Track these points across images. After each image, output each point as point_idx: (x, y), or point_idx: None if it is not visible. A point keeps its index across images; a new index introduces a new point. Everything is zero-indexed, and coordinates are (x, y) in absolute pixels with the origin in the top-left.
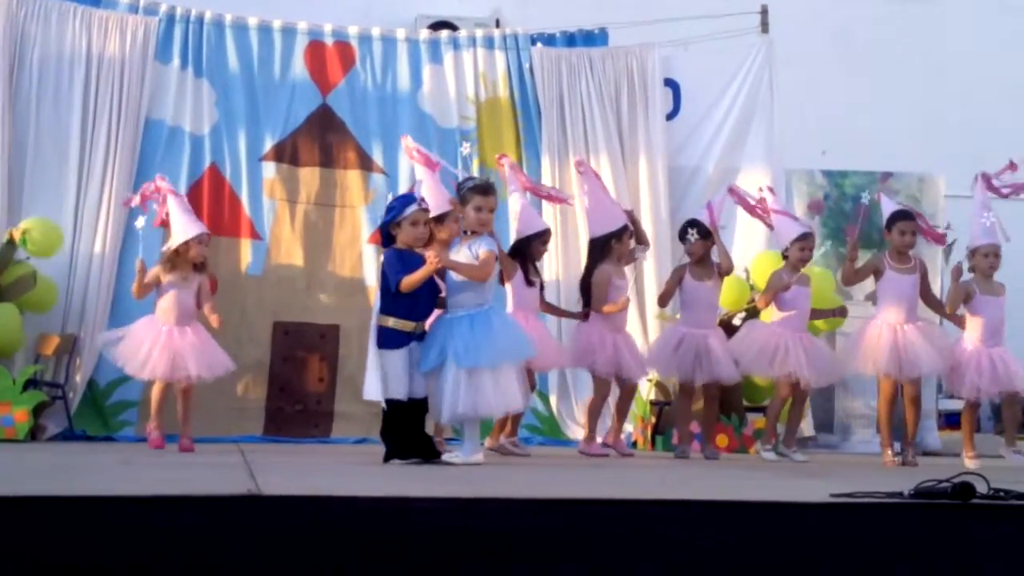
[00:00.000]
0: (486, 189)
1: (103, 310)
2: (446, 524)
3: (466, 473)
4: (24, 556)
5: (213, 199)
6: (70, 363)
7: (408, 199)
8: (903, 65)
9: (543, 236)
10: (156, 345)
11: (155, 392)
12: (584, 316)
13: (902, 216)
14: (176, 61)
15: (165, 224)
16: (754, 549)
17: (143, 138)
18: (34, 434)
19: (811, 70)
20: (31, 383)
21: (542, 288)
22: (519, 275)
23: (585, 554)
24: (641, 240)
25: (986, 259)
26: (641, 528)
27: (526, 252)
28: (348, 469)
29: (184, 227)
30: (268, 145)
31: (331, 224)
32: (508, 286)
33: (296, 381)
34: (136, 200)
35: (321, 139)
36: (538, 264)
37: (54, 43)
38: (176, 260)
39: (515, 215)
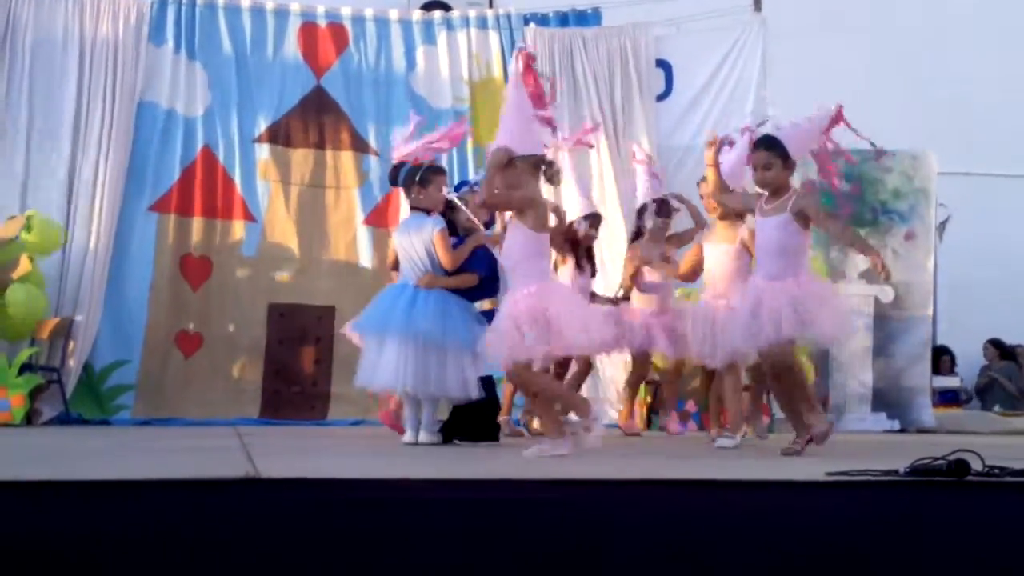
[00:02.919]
0: (443, 169)
1: (98, 293)
2: (446, 505)
3: (469, 455)
4: (22, 541)
5: (206, 181)
6: (65, 346)
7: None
8: (896, 43)
9: (587, 220)
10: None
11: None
12: (615, 301)
13: (753, 146)
14: (170, 43)
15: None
16: (749, 528)
17: (137, 121)
18: (30, 418)
19: (804, 48)
20: (26, 367)
21: (593, 275)
22: (571, 262)
23: (581, 534)
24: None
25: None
26: (633, 508)
27: (574, 238)
28: (346, 451)
29: None
30: (261, 127)
31: (325, 206)
32: (563, 270)
33: (292, 363)
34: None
35: (315, 121)
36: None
37: (46, 26)
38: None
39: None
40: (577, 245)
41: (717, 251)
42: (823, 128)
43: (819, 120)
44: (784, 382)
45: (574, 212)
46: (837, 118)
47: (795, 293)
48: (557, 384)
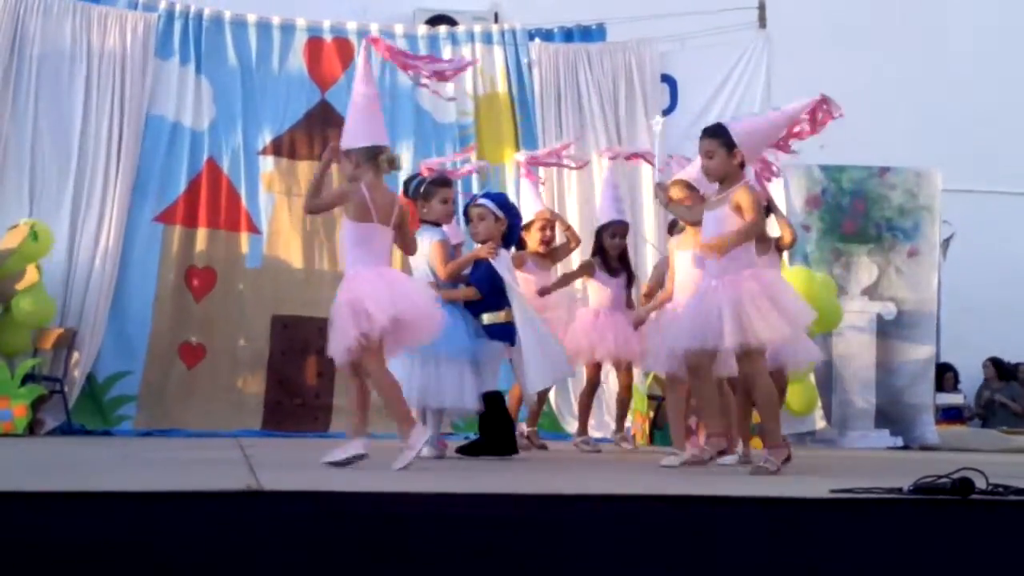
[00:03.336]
0: (447, 181)
1: (104, 305)
2: (449, 519)
3: (473, 470)
4: (23, 552)
5: (211, 193)
6: (68, 357)
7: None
8: (901, 60)
9: (608, 228)
10: None
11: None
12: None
13: (700, 135)
14: (176, 57)
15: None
16: (753, 545)
17: (143, 133)
18: (32, 428)
19: (808, 65)
20: (29, 377)
21: (630, 283)
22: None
23: (584, 550)
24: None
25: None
26: (639, 524)
27: (601, 246)
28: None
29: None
30: (266, 139)
31: (329, 218)
32: (591, 282)
33: (295, 375)
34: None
35: (320, 134)
36: (626, 258)
37: (54, 39)
38: None
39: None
40: (606, 253)
41: (686, 256)
42: (796, 118)
43: (793, 111)
44: (752, 396)
45: (601, 219)
46: (817, 108)
47: (732, 294)
48: (396, 388)
